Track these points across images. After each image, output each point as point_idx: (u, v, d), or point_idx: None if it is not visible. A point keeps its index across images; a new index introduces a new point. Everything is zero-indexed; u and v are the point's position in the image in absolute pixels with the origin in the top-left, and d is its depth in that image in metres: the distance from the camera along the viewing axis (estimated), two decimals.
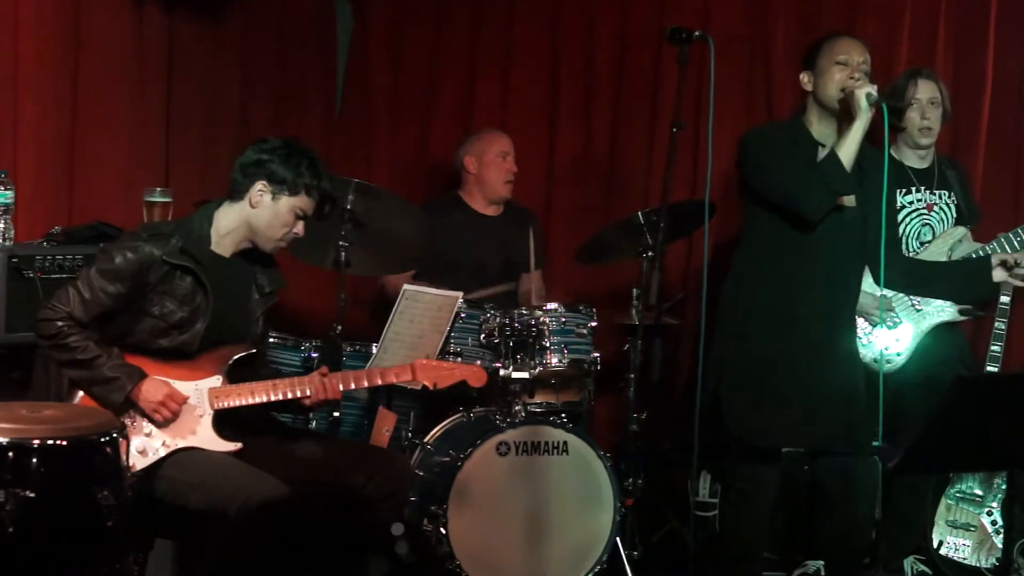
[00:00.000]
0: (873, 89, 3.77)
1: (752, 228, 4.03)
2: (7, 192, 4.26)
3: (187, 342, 3.58)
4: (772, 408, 3.91)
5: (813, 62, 3.92)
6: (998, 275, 4.00)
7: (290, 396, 3.61)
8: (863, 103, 3.75)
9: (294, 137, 3.73)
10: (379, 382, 3.77)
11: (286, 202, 3.62)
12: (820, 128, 3.93)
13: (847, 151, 3.79)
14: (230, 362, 3.62)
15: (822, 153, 3.88)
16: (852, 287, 4.03)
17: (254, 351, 3.69)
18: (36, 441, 2.98)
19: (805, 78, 3.94)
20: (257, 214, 3.63)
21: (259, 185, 3.61)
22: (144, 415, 3.49)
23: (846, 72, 3.84)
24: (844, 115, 3.85)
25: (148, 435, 3.49)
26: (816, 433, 3.92)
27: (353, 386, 3.73)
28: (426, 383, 3.74)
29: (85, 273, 3.53)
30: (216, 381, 3.59)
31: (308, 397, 3.65)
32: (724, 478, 4.19)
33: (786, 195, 3.84)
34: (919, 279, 4.09)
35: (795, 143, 3.90)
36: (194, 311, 3.57)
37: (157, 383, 3.50)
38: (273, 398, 3.60)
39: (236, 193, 3.65)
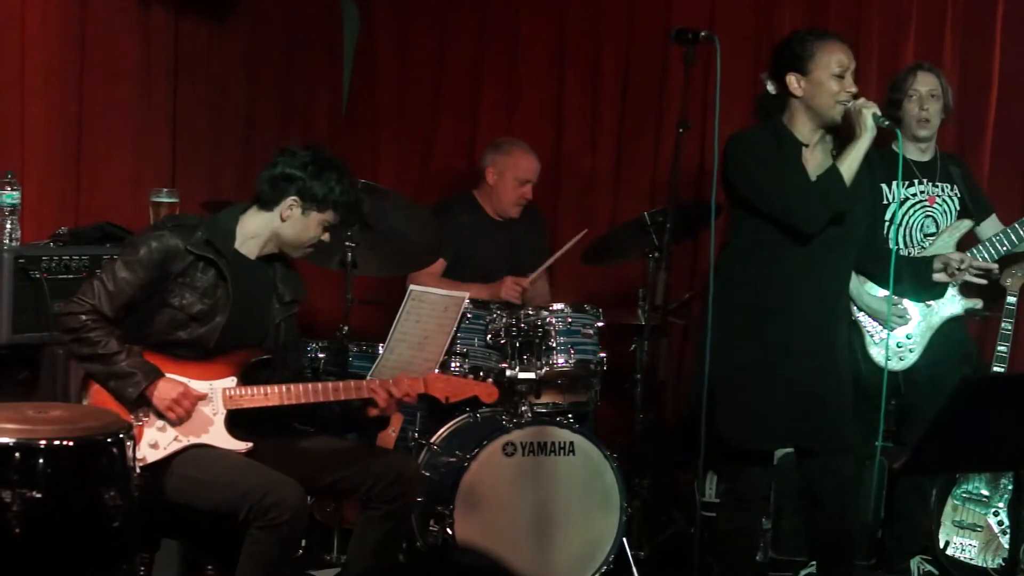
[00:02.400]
0: (876, 108, 3.73)
1: (738, 229, 3.93)
2: (14, 193, 4.26)
3: (206, 335, 3.59)
4: (755, 409, 3.84)
5: (804, 67, 3.76)
6: (938, 277, 4.03)
7: (303, 401, 3.60)
8: (869, 122, 3.70)
9: (321, 148, 3.74)
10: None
11: (316, 217, 3.65)
12: (804, 130, 3.82)
13: (849, 167, 3.73)
14: (245, 364, 3.63)
15: (806, 153, 3.81)
16: (840, 284, 3.97)
17: (269, 356, 3.69)
18: (43, 441, 2.98)
19: (794, 81, 3.77)
20: (286, 227, 3.66)
21: (290, 200, 3.63)
22: (158, 412, 3.50)
23: (843, 84, 3.74)
24: (843, 126, 3.78)
25: (161, 429, 3.50)
26: (798, 433, 3.86)
27: (354, 396, 3.65)
28: (438, 396, 3.73)
29: (110, 265, 3.56)
30: (231, 382, 3.60)
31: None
32: (721, 479, 4.18)
33: (780, 209, 3.76)
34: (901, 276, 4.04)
35: (780, 146, 3.80)
36: (214, 304, 3.59)
37: (172, 382, 3.51)
38: (286, 401, 3.60)
39: (264, 203, 3.67)
